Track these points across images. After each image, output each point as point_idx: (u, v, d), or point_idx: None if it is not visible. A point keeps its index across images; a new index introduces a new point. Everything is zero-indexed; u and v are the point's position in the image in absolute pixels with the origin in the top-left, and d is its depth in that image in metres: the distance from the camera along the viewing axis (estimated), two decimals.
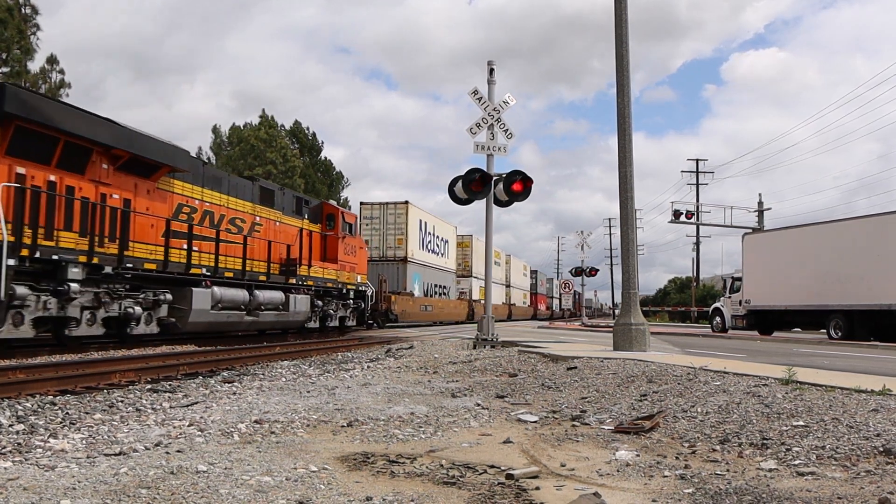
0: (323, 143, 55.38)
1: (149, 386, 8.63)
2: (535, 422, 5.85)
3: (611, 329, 14.47)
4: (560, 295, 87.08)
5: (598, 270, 49.48)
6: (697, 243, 55.33)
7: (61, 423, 5.89)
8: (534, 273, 71.96)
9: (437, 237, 36.10)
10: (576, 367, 8.85)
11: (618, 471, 4.14)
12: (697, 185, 54.29)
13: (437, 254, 36.15)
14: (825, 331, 23.35)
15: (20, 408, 6.57)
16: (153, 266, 14.06)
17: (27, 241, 11.06)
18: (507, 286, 54.19)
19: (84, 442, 4.92)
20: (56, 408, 6.68)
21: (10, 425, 5.64)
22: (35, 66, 33.32)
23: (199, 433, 5.13)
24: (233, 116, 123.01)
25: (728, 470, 4.07)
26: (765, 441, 4.58)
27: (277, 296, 18.51)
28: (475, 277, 43.38)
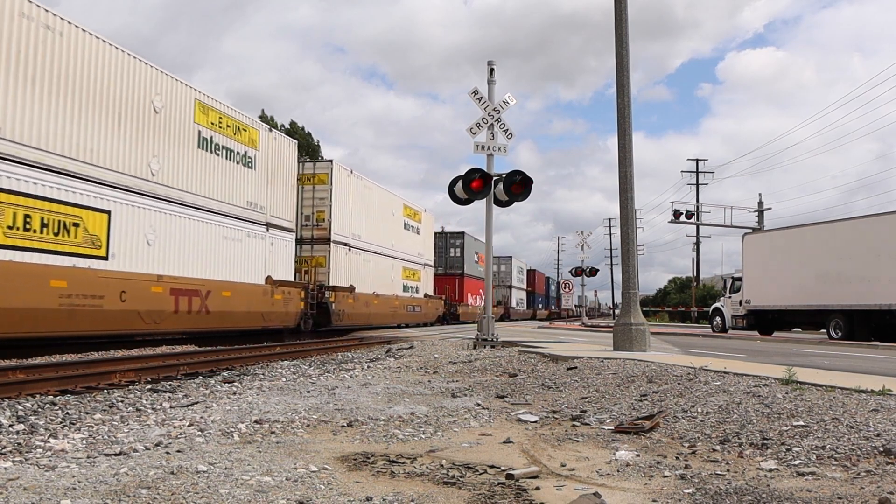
0: (319, 141, 55.02)
1: (149, 386, 8.63)
2: (535, 422, 5.85)
3: (611, 329, 14.47)
4: (534, 287, 65.36)
5: (598, 270, 48.96)
6: (697, 243, 55.35)
7: (61, 423, 5.88)
8: (455, 238, 40.24)
9: None
10: (576, 367, 8.85)
11: (618, 471, 4.14)
12: (697, 185, 54.35)
13: None
14: (825, 331, 23.35)
15: (20, 408, 6.57)
16: None
17: None
18: (345, 247, 23.75)
19: (84, 442, 4.92)
20: (56, 408, 6.67)
21: (11, 425, 5.64)
22: None
23: (200, 433, 5.13)
24: None
25: (728, 470, 4.07)
26: (765, 441, 4.58)
27: None
28: None
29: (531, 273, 67.30)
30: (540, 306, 70.86)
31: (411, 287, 30.50)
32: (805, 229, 24.94)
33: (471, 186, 14.06)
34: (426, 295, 32.22)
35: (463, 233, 41.45)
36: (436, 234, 38.46)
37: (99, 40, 13.05)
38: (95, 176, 12.85)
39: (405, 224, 29.47)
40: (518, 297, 58.84)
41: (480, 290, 43.52)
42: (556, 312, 78.22)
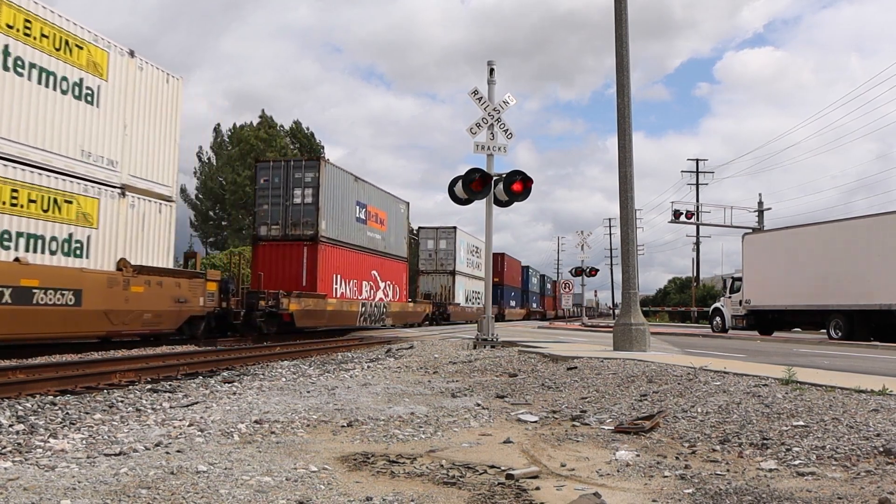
0: (321, 141, 54.81)
1: (149, 386, 8.63)
2: (535, 422, 5.85)
3: (611, 329, 14.47)
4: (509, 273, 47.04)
5: (598, 270, 48.56)
6: (697, 243, 55.39)
7: (61, 423, 5.88)
8: (305, 169, 20.94)
9: None
10: (576, 367, 8.85)
11: (618, 471, 4.14)
12: (697, 185, 54.40)
13: None
14: (825, 331, 23.35)
15: (20, 408, 6.57)
16: None
17: None
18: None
19: (84, 442, 4.92)
20: (56, 408, 6.68)
21: (11, 425, 5.64)
22: None
23: (200, 433, 5.13)
24: (227, 115, 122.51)
25: (728, 470, 4.07)
26: (765, 441, 4.58)
27: None
28: None
29: (497, 258, 45.43)
30: (512, 303, 50.63)
31: (72, 243, 12.95)
32: (805, 229, 24.94)
33: (471, 186, 14.06)
34: (151, 269, 14.65)
35: (318, 159, 21.74)
36: (269, 163, 22.10)
37: None
38: None
39: (23, 64, 11.96)
40: (469, 290, 40.45)
41: (375, 273, 26.22)
42: (538, 311, 62.48)
